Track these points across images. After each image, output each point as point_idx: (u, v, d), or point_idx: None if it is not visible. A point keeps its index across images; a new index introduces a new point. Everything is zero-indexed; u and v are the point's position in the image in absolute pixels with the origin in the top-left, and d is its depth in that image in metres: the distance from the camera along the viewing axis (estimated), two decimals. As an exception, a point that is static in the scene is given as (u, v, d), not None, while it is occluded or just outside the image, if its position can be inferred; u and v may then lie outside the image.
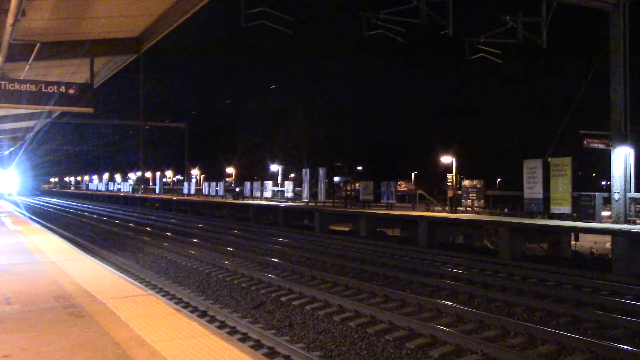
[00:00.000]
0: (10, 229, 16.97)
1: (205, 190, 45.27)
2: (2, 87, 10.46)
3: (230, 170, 57.08)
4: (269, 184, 37.11)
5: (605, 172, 19.45)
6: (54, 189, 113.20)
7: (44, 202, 63.31)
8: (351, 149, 56.38)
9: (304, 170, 31.92)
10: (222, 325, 9.30)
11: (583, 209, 17.84)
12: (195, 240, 21.02)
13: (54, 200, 69.96)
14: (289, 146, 53.20)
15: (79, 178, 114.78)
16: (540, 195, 18.97)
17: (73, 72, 13.05)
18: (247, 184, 39.13)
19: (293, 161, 52.89)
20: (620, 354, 7.30)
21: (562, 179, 18.25)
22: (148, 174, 77.62)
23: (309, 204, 30.21)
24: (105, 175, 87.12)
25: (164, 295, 11.54)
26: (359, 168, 60.37)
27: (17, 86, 10.57)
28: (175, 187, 63.04)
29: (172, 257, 17.06)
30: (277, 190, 37.26)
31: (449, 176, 27.20)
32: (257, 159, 56.37)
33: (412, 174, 58.83)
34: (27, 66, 10.97)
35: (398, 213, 23.45)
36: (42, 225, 23.23)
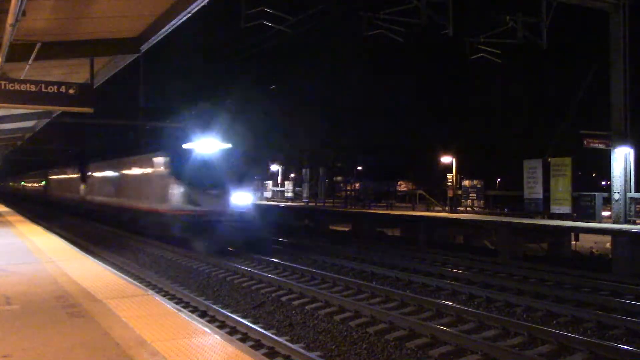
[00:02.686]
0: (10, 229, 16.98)
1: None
2: (2, 87, 10.45)
3: (230, 170, 56.90)
4: (269, 183, 37.11)
5: (605, 172, 19.44)
6: None
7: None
8: (351, 149, 56.29)
9: (304, 170, 31.94)
10: (222, 325, 9.30)
11: (583, 209, 17.84)
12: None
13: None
14: (289, 146, 53.10)
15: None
16: (540, 195, 18.97)
17: (73, 72, 13.04)
18: (247, 184, 39.04)
19: (293, 161, 52.83)
20: (620, 354, 7.29)
21: (562, 179, 18.26)
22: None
23: (309, 203, 30.21)
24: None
25: (164, 295, 11.54)
26: (359, 168, 60.35)
27: (17, 86, 10.56)
28: None
29: (172, 257, 17.06)
30: (277, 190, 37.27)
31: (449, 176, 27.19)
32: (257, 158, 56.20)
33: (412, 174, 58.73)
34: (27, 66, 10.95)
35: (398, 213, 23.45)
36: (42, 225, 23.22)
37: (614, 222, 17.16)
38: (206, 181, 16.88)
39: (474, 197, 22.53)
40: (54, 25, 9.77)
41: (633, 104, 17.43)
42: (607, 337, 8.37)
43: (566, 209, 18.03)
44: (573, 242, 18.23)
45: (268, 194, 36.04)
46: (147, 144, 23.28)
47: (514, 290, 11.72)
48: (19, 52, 10.07)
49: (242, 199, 17.21)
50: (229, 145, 17.85)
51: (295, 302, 10.66)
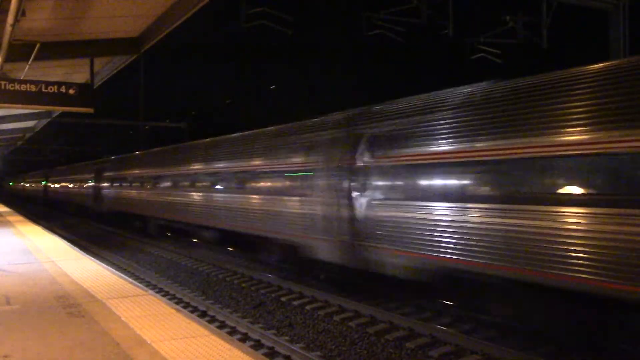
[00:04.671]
0: (10, 229, 16.99)
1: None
2: (2, 87, 10.47)
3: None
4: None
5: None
6: None
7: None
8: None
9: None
10: (222, 325, 9.31)
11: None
12: (194, 240, 21.00)
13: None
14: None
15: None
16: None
17: (73, 72, 13.04)
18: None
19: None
20: (620, 353, 7.28)
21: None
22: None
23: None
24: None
25: (164, 295, 11.55)
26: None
27: (17, 86, 10.58)
28: None
29: (172, 257, 17.06)
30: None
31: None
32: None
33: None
34: (27, 66, 10.95)
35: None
36: (42, 225, 23.24)
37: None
38: None
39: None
40: (54, 25, 9.77)
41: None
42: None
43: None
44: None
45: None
46: None
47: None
48: (19, 52, 10.08)
49: None
50: None
51: (295, 302, 10.66)
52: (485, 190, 7.62)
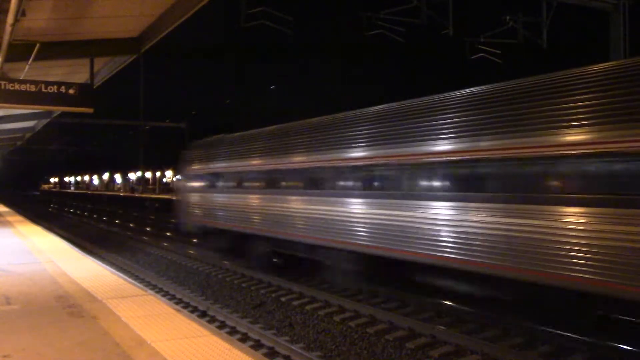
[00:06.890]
0: (10, 229, 16.99)
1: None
2: (2, 87, 10.45)
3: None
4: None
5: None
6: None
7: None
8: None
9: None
10: (222, 325, 9.30)
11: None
12: (194, 240, 21.00)
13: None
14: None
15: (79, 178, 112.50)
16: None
17: (73, 72, 13.03)
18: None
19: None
20: (620, 353, 7.28)
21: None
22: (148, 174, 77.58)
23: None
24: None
25: (164, 295, 11.55)
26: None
27: (17, 86, 10.56)
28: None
29: (172, 257, 17.06)
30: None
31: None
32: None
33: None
34: (27, 66, 10.94)
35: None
36: (42, 225, 23.23)
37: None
38: None
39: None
40: (54, 25, 9.76)
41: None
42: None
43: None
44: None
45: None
46: None
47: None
48: (19, 52, 10.06)
49: None
50: None
51: (295, 302, 10.66)
52: None
